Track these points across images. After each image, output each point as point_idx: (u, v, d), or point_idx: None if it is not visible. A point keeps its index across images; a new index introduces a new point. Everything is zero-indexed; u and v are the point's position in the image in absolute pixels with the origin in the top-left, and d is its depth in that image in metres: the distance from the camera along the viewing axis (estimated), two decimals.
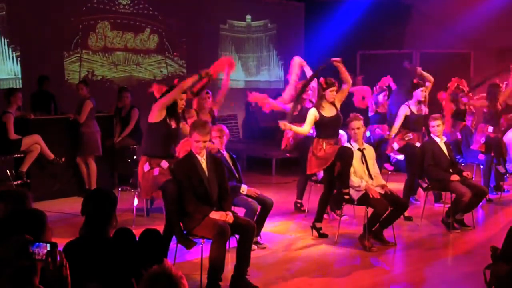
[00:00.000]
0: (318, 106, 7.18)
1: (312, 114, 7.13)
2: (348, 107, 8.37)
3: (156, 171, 6.34)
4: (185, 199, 5.54)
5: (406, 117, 8.09)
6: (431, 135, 7.74)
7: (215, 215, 5.48)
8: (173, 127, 6.64)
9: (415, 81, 8.18)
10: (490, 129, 9.11)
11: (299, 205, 8.47)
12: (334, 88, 7.14)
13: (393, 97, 9.94)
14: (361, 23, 13.76)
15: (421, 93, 8.02)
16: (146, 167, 6.41)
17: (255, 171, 11.69)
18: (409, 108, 8.06)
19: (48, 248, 2.87)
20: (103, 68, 12.19)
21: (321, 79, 7.23)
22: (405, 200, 7.45)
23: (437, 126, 7.66)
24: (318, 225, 7.24)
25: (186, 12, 13.27)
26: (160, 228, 5.16)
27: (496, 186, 9.51)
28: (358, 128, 6.96)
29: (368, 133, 9.95)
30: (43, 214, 3.30)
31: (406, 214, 7.67)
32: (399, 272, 6.38)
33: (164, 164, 6.37)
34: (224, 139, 6.79)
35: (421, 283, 5.98)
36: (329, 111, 7.16)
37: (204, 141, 5.67)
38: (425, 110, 8.21)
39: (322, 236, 7.20)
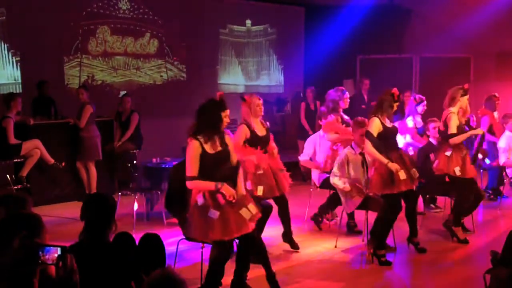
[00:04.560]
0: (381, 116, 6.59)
1: (377, 125, 6.53)
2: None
3: (213, 214, 5.03)
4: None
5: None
6: (430, 138, 7.74)
7: (226, 189, 5.03)
8: (218, 150, 5.16)
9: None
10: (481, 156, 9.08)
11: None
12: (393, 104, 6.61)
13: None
14: (361, 28, 13.76)
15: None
16: (200, 200, 5.08)
17: None
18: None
19: (59, 252, 2.84)
20: (103, 73, 12.19)
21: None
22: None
23: (438, 127, 7.69)
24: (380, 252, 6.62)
25: (186, 16, 13.27)
26: (160, 232, 5.16)
27: (496, 190, 9.51)
28: (361, 135, 6.91)
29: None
30: (39, 217, 3.30)
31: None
32: (399, 277, 6.37)
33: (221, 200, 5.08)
34: None
35: (421, 287, 5.97)
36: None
37: None
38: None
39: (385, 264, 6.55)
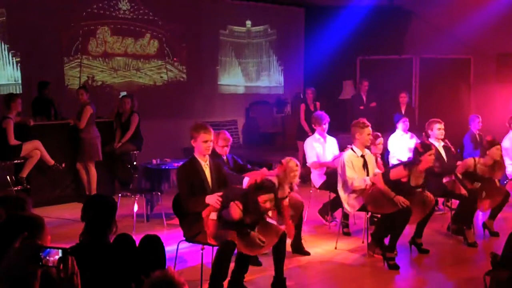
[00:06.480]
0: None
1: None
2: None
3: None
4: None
5: None
6: (430, 139, 7.73)
7: (209, 199, 5.43)
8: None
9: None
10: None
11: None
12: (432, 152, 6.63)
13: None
14: (361, 29, 13.75)
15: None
16: (214, 216, 5.45)
17: None
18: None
19: (60, 254, 2.82)
20: (103, 74, 12.19)
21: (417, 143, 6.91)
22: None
23: (442, 129, 7.70)
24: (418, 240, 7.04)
25: (186, 17, 13.28)
26: (160, 233, 5.16)
27: None
28: (368, 134, 6.92)
29: None
30: (41, 218, 3.29)
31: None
32: (400, 278, 6.36)
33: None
34: (227, 149, 6.88)
35: None
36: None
37: (211, 140, 5.70)
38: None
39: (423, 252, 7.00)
